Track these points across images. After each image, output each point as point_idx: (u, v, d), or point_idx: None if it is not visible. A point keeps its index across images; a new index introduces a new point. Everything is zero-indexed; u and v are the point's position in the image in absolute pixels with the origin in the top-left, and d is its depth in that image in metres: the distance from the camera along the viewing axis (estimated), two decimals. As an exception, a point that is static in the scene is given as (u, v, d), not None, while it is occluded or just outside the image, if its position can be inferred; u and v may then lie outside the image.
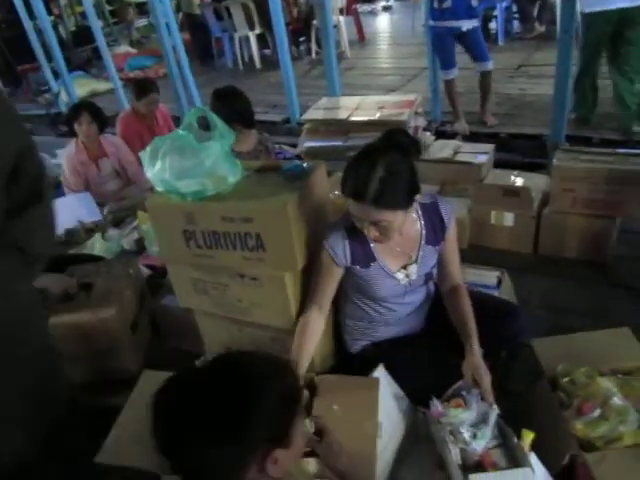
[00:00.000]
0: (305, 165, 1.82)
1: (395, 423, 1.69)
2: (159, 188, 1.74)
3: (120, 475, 1.54)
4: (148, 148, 1.73)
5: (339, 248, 1.65)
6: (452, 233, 1.76)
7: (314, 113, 3.71)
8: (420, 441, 1.68)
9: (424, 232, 1.72)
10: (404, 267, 1.72)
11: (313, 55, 7.96)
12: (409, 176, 1.50)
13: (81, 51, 9.92)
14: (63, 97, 6.79)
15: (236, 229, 1.68)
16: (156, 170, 1.71)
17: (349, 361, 1.92)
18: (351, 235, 1.65)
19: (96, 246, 3.26)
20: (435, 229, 1.73)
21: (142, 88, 4.00)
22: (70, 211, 2.62)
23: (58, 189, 3.96)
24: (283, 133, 5.17)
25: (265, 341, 1.95)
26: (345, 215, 1.65)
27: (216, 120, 1.78)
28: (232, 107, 2.81)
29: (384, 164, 1.46)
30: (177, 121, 5.20)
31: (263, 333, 1.92)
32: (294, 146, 4.57)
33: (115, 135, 3.97)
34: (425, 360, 1.76)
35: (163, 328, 2.55)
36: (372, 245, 1.67)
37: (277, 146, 4.49)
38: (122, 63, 8.64)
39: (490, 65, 4.27)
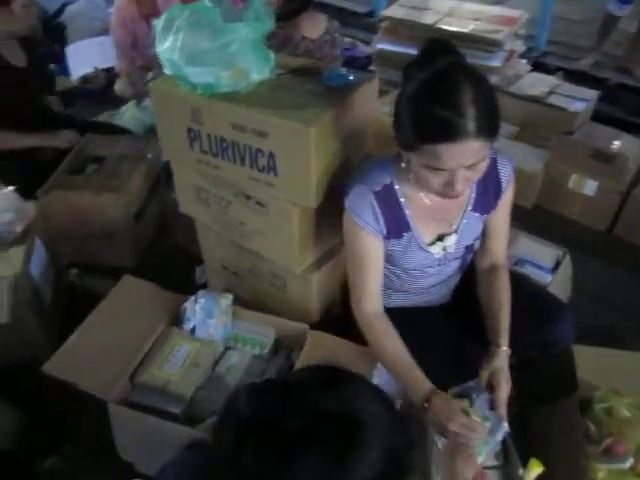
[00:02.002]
0: (351, 76, 1.43)
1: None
2: (167, 70, 1.41)
3: None
4: (162, 17, 1.39)
5: (370, 217, 1.29)
6: (507, 201, 1.39)
7: (396, 10, 3.16)
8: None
9: (473, 195, 1.34)
10: (441, 238, 1.37)
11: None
12: (495, 95, 1.14)
13: None
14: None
15: (247, 141, 1.35)
16: (166, 47, 1.36)
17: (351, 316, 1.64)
18: (381, 200, 1.29)
19: (127, 114, 3.01)
20: (487, 193, 1.35)
21: None
22: (85, 56, 2.34)
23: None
24: (363, 27, 4.58)
25: (263, 272, 1.68)
26: (370, 177, 1.30)
27: (255, -1, 1.40)
28: None
29: (468, 82, 1.08)
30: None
31: (262, 264, 1.66)
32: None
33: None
34: (438, 341, 1.46)
35: (170, 222, 2.32)
36: (407, 212, 1.32)
37: (350, 41, 4.00)
38: None
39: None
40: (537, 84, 2.95)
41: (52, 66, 3.43)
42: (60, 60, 3.59)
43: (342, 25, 4.41)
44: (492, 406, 1.29)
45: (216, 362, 1.57)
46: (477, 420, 1.22)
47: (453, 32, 2.97)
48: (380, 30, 3.17)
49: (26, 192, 2.00)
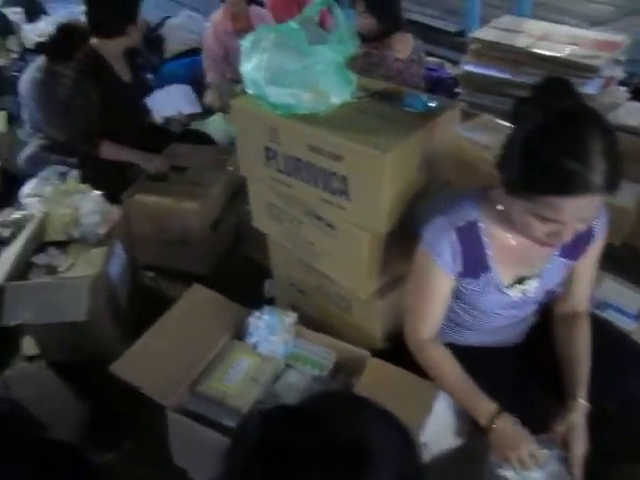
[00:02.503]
0: (431, 102, 1.40)
1: (442, 448, 1.38)
2: (249, 90, 1.44)
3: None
4: (250, 37, 1.42)
5: (447, 254, 1.24)
6: (597, 247, 1.30)
7: (487, 32, 3.07)
8: None
9: None
10: (520, 281, 1.30)
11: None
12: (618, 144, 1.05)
13: None
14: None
15: (321, 163, 1.36)
16: (251, 67, 1.40)
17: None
18: (462, 237, 1.24)
19: (213, 125, 3.11)
20: (578, 239, 1.23)
21: None
22: (171, 100, 2.47)
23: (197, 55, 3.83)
24: (454, 47, 4.51)
25: (330, 293, 1.67)
26: (453, 210, 1.25)
27: (340, 18, 1.40)
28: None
29: (597, 130, 1.01)
30: None
31: (329, 284, 1.65)
32: (461, 65, 3.98)
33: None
34: (504, 383, 1.39)
35: (244, 233, 2.36)
36: (488, 252, 1.26)
37: (439, 61, 3.94)
38: None
39: None
40: (636, 113, 2.77)
41: (149, 76, 3.61)
42: (157, 71, 3.78)
43: (432, 44, 4.38)
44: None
45: (275, 379, 1.57)
46: (545, 453, 1.16)
47: (546, 56, 2.84)
48: (469, 52, 3.09)
49: (112, 196, 2.11)
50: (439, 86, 3.35)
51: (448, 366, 1.31)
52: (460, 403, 1.30)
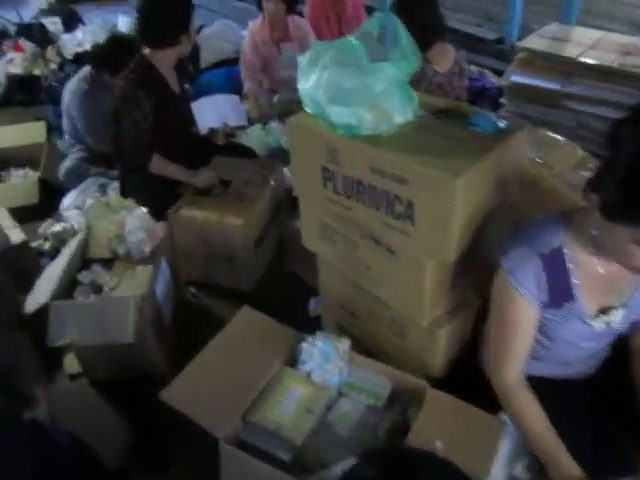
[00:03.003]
0: (500, 123, 1.32)
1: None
2: (307, 109, 1.38)
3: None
4: (307, 53, 1.36)
5: (531, 283, 1.18)
6: None
7: (536, 41, 2.98)
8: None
9: None
10: (605, 311, 1.21)
11: (556, -35, 6.63)
12: None
13: None
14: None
15: (385, 187, 1.29)
16: (309, 85, 1.34)
17: (477, 376, 1.51)
18: (547, 265, 1.17)
19: (252, 136, 3.07)
20: None
21: None
22: (217, 110, 2.42)
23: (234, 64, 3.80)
24: (492, 54, 4.40)
25: (383, 317, 1.60)
26: (536, 238, 1.18)
27: (402, 34, 1.34)
28: (434, 9, 2.30)
29: None
30: (370, 12, 4.67)
31: (383, 308, 1.58)
32: (500, 73, 3.86)
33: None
34: (576, 418, 1.31)
35: (288, 248, 2.31)
36: (574, 280, 1.18)
37: (478, 69, 3.84)
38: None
39: None
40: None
41: (187, 86, 3.60)
42: (193, 81, 3.76)
43: (469, 52, 4.28)
44: None
45: (328, 408, 1.51)
46: None
47: (597, 66, 2.74)
48: (515, 61, 3.00)
49: (153, 210, 2.08)
50: (482, 96, 3.26)
51: (534, 417, 1.23)
52: (540, 455, 1.22)
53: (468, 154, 1.21)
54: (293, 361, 1.56)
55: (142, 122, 2.18)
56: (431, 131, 1.32)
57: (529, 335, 1.24)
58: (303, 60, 1.37)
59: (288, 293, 2.23)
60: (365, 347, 1.77)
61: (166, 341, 1.90)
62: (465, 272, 1.42)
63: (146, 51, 2.27)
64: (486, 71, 3.81)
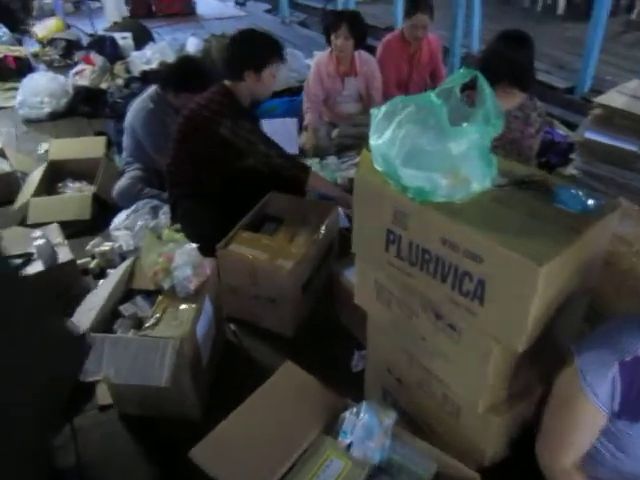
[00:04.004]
0: (590, 201, 1.20)
1: None
2: (378, 166, 1.29)
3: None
4: (383, 107, 1.27)
5: (605, 392, 1.06)
6: None
7: (615, 98, 2.81)
8: None
9: None
10: None
11: (634, 14, 6.41)
12: None
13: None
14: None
15: (455, 260, 1.18)
16: (383, 141, 1.25)
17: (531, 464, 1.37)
18: (626, 374, 1.04)
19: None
20: None
21: (412, 2, 3.44)
22: (271, 134, 2.39)
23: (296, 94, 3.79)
24: (561, 104, 4.25)
25: (434, 392, 1.48)
26: (618, 340, 1.06)
27: (487, 94, 1.24)
28: (513, 57, 2.19)
29: None
30: (446, 53, 4.60)
31: (436, 384, 1.45)
32: (569, 125, 3.71)
33: (371, 55, 3.54)
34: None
35: (335, 295, 2.20)
36: None
37: (547, 119, 3.69)
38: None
39: None
40: None
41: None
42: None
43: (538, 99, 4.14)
44: None
45: (366, 485, 1.39)
46: None
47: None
48: (591, 117, 2.84)
49: (205, 242, 2.03)
50: (551, 149, 3.11)
51: None
52: None
53: (553, 236, 1.09)
54: (333, 428, 1.45)
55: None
56: (512, 204, 1.21)
57: (591, 436, 1.13)
58: (377, 113, 1.28)
59: (332, 342, 2.13)
60: (410, 418, 1.65)
61: (201, 381, 1.82)
62: (532, 359, 1.29)
63: (227, 82, 2.35)
64: (555, 122, 3.66)
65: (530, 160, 2.51)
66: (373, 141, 1.28)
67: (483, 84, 1.25)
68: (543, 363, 1.36)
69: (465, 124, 1.22)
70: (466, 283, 1.18)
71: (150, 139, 2.86)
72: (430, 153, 1.19)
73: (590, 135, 2.77)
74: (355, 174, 1.40)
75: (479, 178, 1.23)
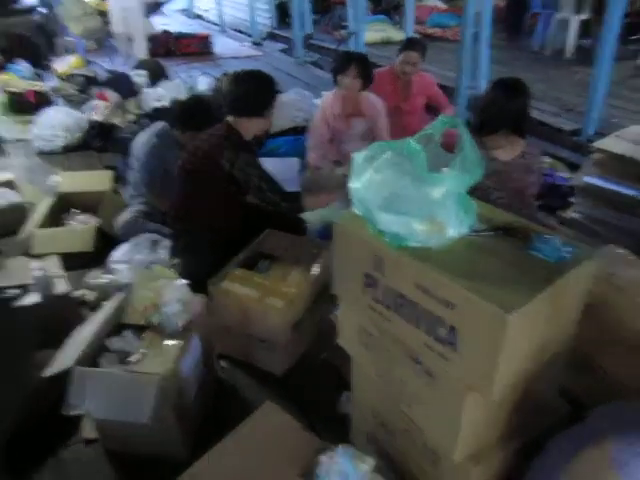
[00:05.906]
0: (566, 252, 1.19)
1: None
2: (356, 210, 1.31)
3: None
4: (364, 152, 1.29)
5: None
6: None
7: (614, 143, 2.82)
8: None
9: None
10: None
11: (640, 60, 6.47)
12: None
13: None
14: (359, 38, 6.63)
15: (428, 306, 1.18)
16: (361, 185, 1.27)
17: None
18: None
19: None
20: None
21: (406, 41, 3.70)
22: (273, 173, 2.44)
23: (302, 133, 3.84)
24: (567, 146, 4.27)
25: (417, 440, 1.45)
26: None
27: (467, 143, 1.25)
28: (511, 106, 2.22)
29: None
30: (452, 94, 4.67)
31: (418, 432, 1.43)
32: (574, 166, 3.71)
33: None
34: None
35: (327, 336, 2.18)
36: None
37: (551, 162, 3.70)
38: (425, 16, 8.23)
39: None
40: None
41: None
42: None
43: (543, 141, 4.15)
44: None
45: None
46: None
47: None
48: (590, 162, 2.85)
49: (201, 277, 2.05)
50: (552, 192, 3.11)
51: None
52: None
53: (525, 285, 1.09)
54: (309, 472, 1.43)
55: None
56: (486, 251, 1.21)
57: None
58: (359, 157, 1.30)
59: (321, 382, 2.12)
60: (394, 465, 1.61)
61: (187, 419, 1.81)
62: (514, 407, 1.27)
63: (230, 118, 2.39)
64: (559, 165, 3.66)
65: (532, 207, 2.50)
66: (353, 185, 1.29)
67: (463, 131, 1.27)
68: (526, 412, 1.34)
69: (444, 170, 1.24)
70: (439, 329, 1.17)
71: (143, 172, 2.93)
72: (406, 198, 1.21)
73: (589, 180, 2.78)
74: (335, 221, 1.41)
75: (456, 224, 1.23)
